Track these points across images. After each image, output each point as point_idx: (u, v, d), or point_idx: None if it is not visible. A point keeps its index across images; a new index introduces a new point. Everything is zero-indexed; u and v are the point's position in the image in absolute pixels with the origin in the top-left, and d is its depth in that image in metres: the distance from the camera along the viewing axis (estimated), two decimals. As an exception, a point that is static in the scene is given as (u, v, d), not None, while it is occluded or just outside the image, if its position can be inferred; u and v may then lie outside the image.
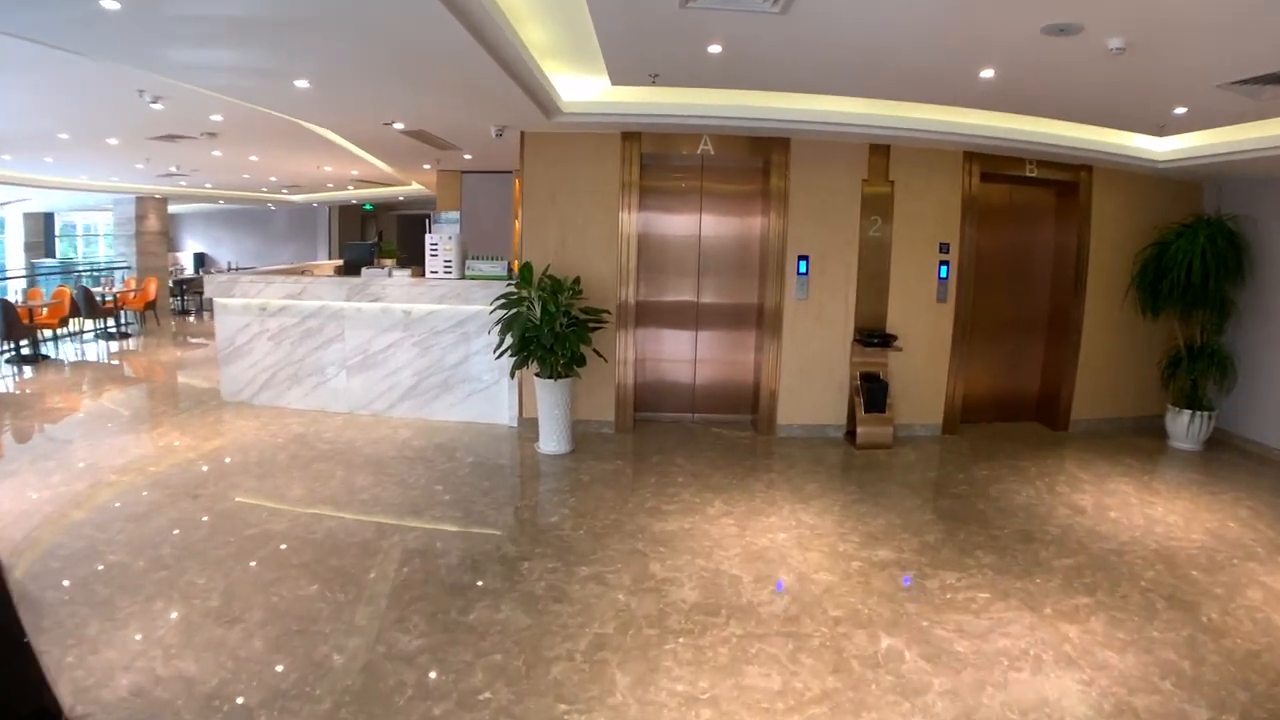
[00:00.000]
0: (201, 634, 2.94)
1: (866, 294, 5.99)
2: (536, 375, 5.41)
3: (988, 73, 4.08)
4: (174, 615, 3.08)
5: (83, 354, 9.77)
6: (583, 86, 5.17)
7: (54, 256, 17.80)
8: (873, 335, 5.88)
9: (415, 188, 12.85)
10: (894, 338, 5.87)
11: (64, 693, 2.48)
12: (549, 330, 5.15)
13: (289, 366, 6.60)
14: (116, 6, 3.07)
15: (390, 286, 6.25)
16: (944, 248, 6.01)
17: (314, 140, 7.05)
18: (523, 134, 5.81)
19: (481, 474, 4.99)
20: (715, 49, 3.86)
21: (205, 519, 4.10)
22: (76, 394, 7.36)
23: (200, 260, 18.39)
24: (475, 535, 3.99)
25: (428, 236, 6.30)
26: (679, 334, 6.33)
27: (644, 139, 5.77)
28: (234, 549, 3.73)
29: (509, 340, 5.30)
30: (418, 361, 6.31)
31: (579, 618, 3.13)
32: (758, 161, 5.99)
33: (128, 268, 13.89)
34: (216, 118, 5.99)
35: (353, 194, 15.30)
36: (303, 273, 7.51)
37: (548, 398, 5.39)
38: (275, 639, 2.92)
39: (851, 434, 5.93)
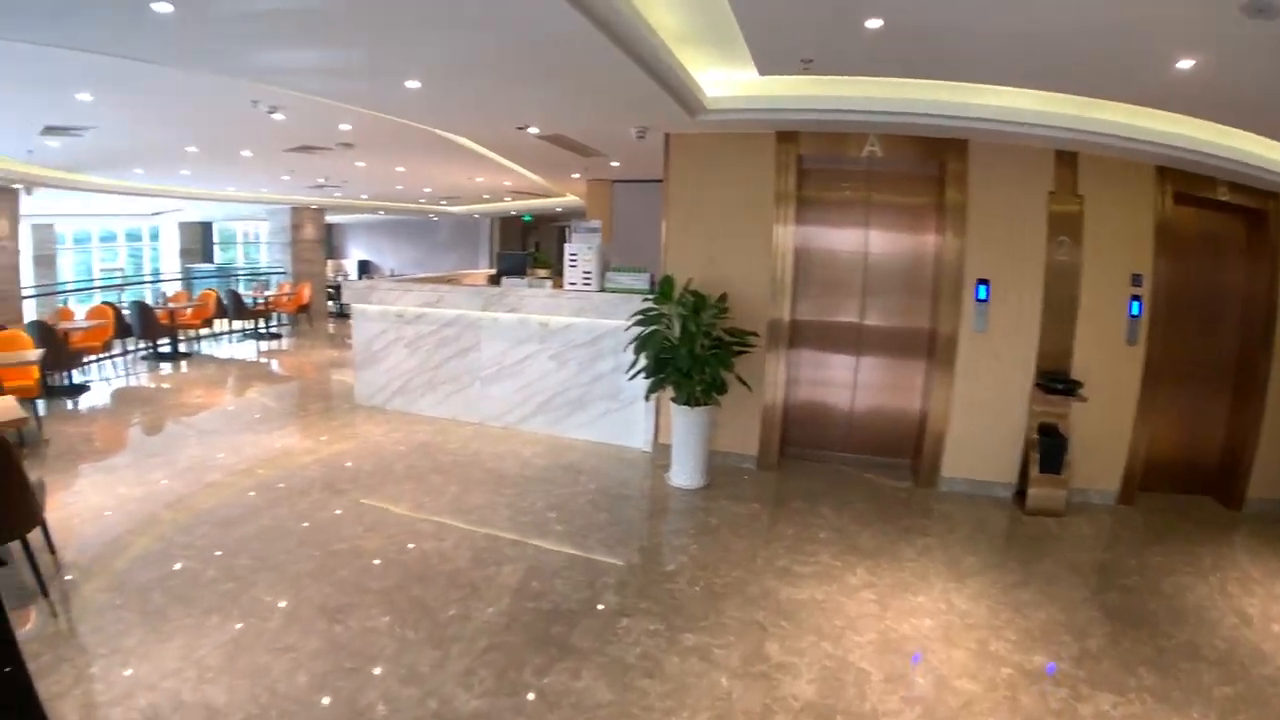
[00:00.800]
0: (246, 659, 2.69)
1: (1050, 329, 5.03)
2: (673, 400, 4.95)
3: (1185, 63, 3.21)
4: (224, 634, 2.87)
5: (227, 354, 10.33)
6: (728, 80, 4.65)
7: (211, 262, 19.38)
8: (1056, 380, 4.90)
9: (571, 199, 12.87)
10: (1079, 384, 4.87)
11: (68, 708, 2.25)
12: (687, 352, 4.67)
13: (424, 373, 6.58)
14: (169, 9, 2.90)
15: (528, 298, 6.06)
16: (1137, 280, 4.93)
17: (455, 150, 7.02)
18: (667, 136, 5.39)
19: (602, 503, 4.58)
20: (874, 23, 3.23)
21: (296, 528, 3.94)
22: (206, 392, 7.67)
23: (364, 267, 19.63)
24: (577, 577, 3.55)
25: (566, 246, 6.02)
26: (837, 360, 5.61)
27: (801, 140, 5.15)
28: (315, 565, 3.51)
29: (643, 361, 4.89)
30: (553, 376, 6.06)
31: (668, 700, 2.59)
32: (931, 167, 5.19)
33: (284, 273, 14.90)
34: (345, 127, 6.02)
35: (511, 205, 15.57)
36: (448, 281, 7.53)
37: (683, 426, 4.91)
38: (323, 676, 2.61)
39: (1021, 494, 4.97)
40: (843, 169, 5.39)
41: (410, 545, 3.78)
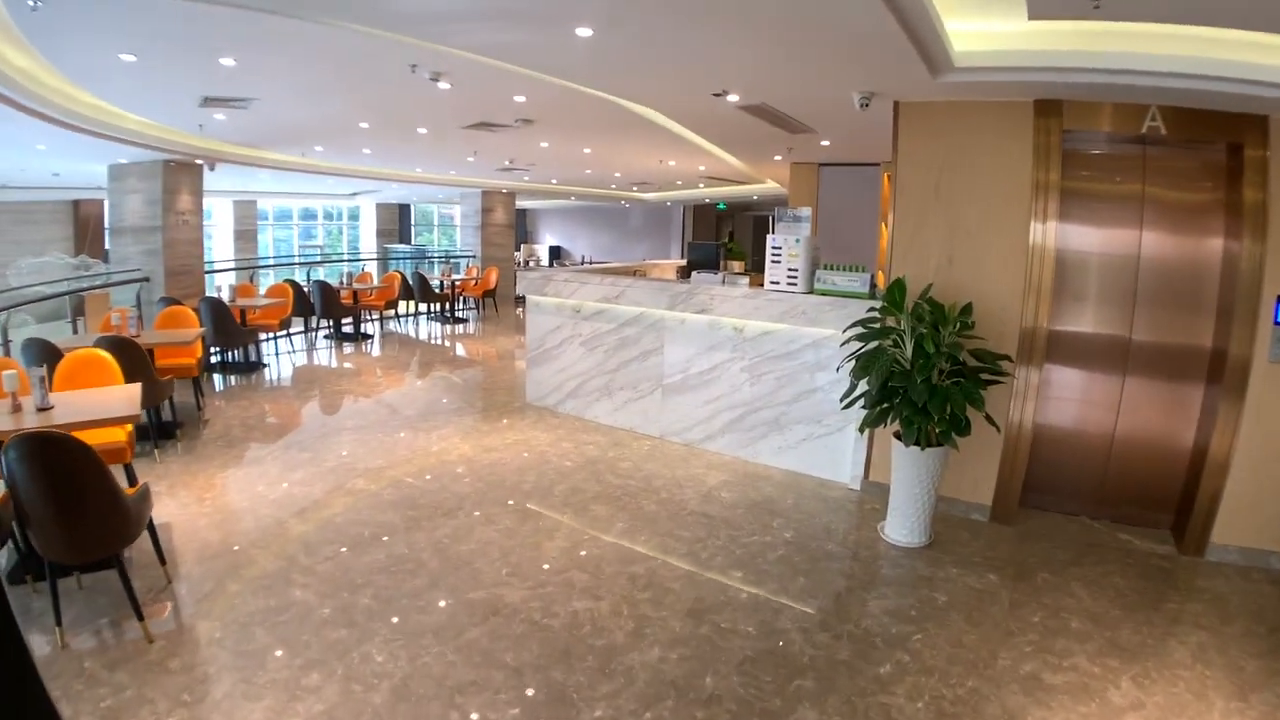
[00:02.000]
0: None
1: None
2: (896, 435, 3.84)
3: None
4: (318, 704, 2.27)
5: (408, 335, 10.25)
6: (982, 32, 3.50)
7: (408, 243, 19.95)
8: None
9: (769, 185, 11.77)
10: None
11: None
12: (923, 380, 3.54)
13: (600, 376, 5.89)
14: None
15: (720, 297, 5.10)
16: None
17: (643, 127, 6.26)
18: (896, 106, 4.26)
19: (799, 561, 3.60)
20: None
21: (431, 563, 3.31)
22: (376, 377, 7.44)
23: (555, 252, 19.75)
24: (763, 677, 2.61)
25: (769, 238, 4.99)
26: (1097, 385, 4.23)
27: (1066, 111, 3.85)
28: (444, 617, 2.85)
29: (863, 386, 3.82)
30: (745, 390, 5.10)
31: None
32: (1218, 151, 3.78)
33: (473, 257, 14.89)
34: (520, 98, 5.40)
35: (705, 192, 14.66)
36: (631, 273, 6.78)
37: (907, 469, 3.80)
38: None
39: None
40: (1114, 153, 4.12)
41: (558, 603, 3.01)
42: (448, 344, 10.01)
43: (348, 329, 9.83)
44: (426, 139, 7.87)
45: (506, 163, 10.06)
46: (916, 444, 3.69)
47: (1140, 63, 3.30)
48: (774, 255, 4.93)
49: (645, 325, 5.57)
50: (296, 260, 18.42)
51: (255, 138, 8.10)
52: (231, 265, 13.43)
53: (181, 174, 8.42)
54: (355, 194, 17.11)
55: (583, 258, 19.35)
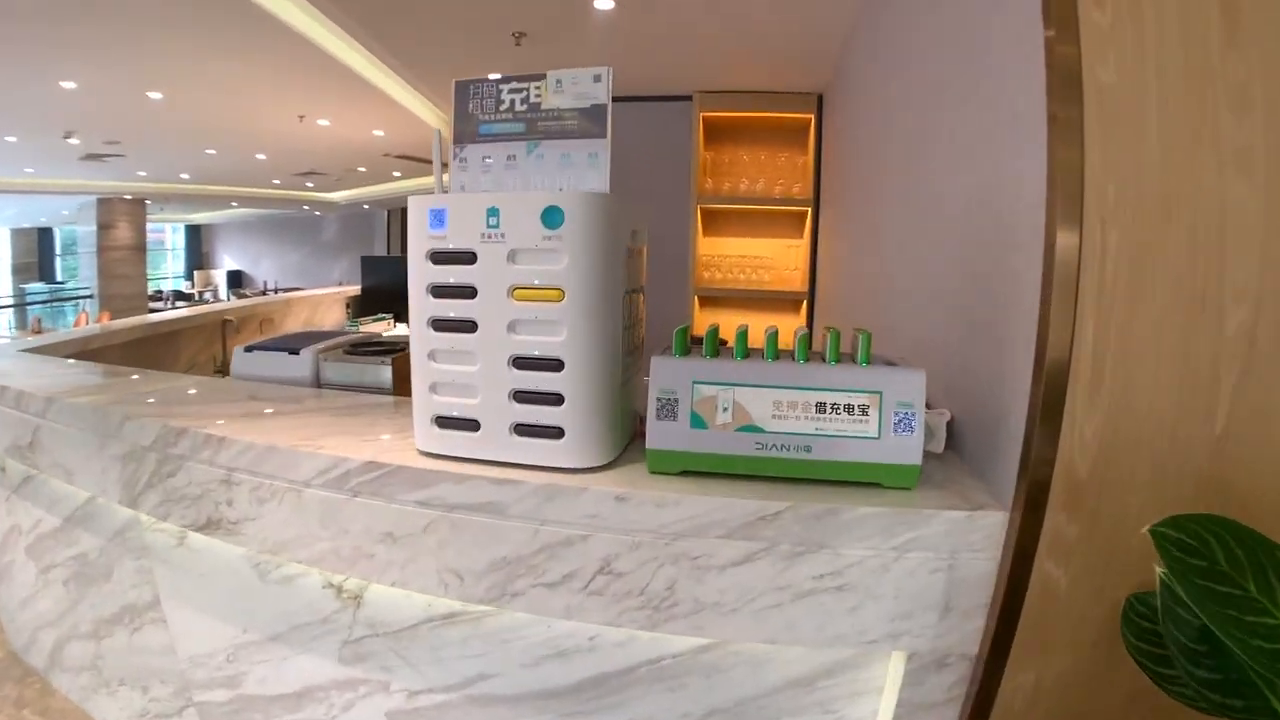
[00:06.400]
0: None
1: None
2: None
3: None
4: None
5: None
6: None
7: (52, 280, 14.84)
8: None
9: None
10: None
11: None
12: None
13: (77, 633, 1.75)
14: None
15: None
16: None
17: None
18: None
19: None
20: None
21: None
22: None
23: (236, 279, 14.56)
24: None
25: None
26: None
27: None
28: None
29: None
30: None
31: None
32: None
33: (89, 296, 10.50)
34: None
35: (406, 185, 10.93)
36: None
37: None
38: None
39: None
40: None
41: None
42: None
43: None
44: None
45: (66, 136, 6.70)
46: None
47: None
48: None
49: (105, 533, 1.73)
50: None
51: None
52: None
53: None
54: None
55: (265, 284, 15.16)
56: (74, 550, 1.83)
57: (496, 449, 1.11)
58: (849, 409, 1.01)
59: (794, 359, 1.06)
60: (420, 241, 1.11)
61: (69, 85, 4.83)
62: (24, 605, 2.16)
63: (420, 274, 1.11)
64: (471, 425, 1.12)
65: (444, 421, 1.14)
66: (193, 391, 1.71)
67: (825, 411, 1.02)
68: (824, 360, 1.05)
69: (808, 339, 1.07)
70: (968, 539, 0.97)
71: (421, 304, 1.12)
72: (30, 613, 2.14)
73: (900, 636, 1.01)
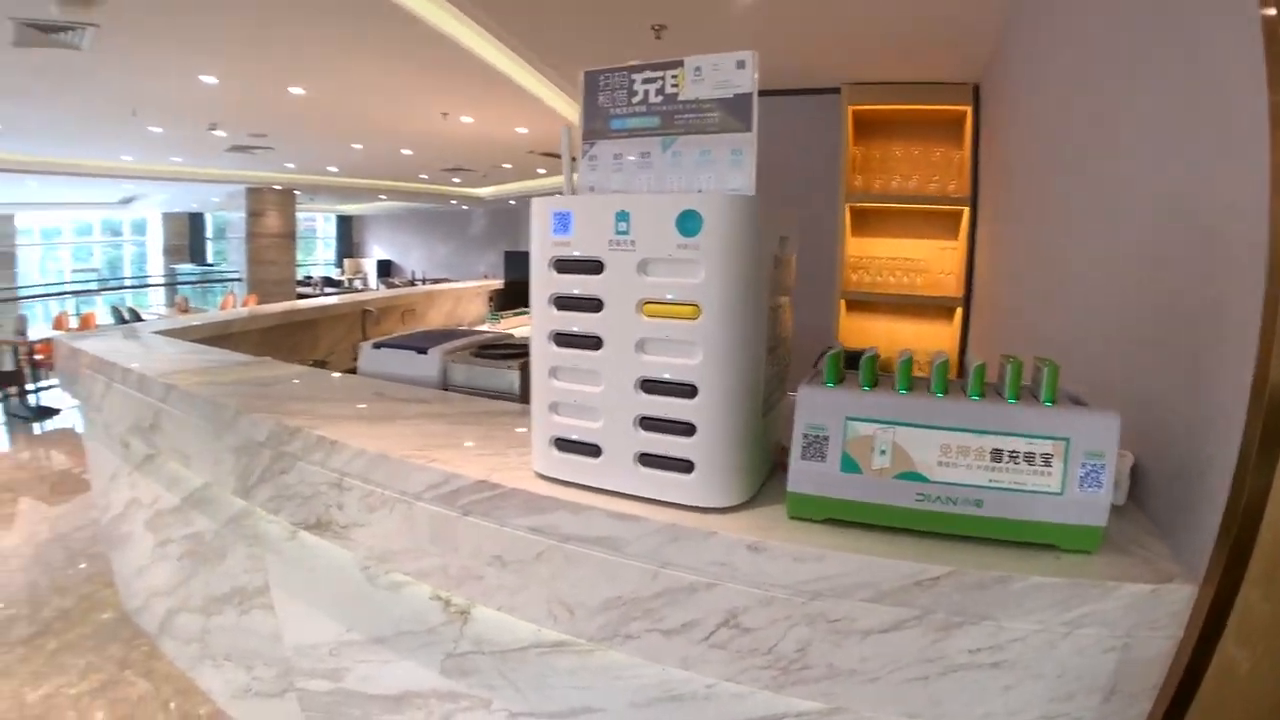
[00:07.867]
0: None
1: None
2: None
3: None
4: None
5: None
6: None
7: (201, 261, 15.97)
8: None
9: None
10: None
11: None
12: None
13: (187, 605, 2.01)
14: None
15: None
16: None
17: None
18: None
19: None
20: None
21: None
22: None
23: (385, 268, 16.28)
24: None
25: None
26: None
27: None
28: None
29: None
30: None
31: None
32: None
33: (239, 279, 11.18)
34: None
35: (549, 182, 11.27)
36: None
37: None
38: None
39: None
40: None
41: None
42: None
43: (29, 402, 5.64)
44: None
45: (211, 129, 6.83)
46: None
47: None
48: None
49: (220, 518, 1.79)
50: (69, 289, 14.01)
51: None
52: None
53: None
54: (128, 200, 13.01)
55: (413, 273, 15.72)
56: (190, 529, 1.88)
57: (618, 479, 1.01)
58: (1029, 458, 0.85)
59: (964, 393, 0.90)
60: (543, 247, 1.01)
61: (209, 80, 5.01)
62: (140, 573, 2.27)
63: (543, 283, 1.02)
64: (593, 450, 1.02)
65: (563, 444, 1.04)
66: (311, 386, 1.70)
67: (1002, 460, 0.86)
68: (1000, 396, 0.89)
69: (982, 370, 0.90)
70: (1150, 616, 0.80)
71: (544, 316, 1.02)
72: (145, 581, 2.26)
73: (1056, 719, 0.86)
